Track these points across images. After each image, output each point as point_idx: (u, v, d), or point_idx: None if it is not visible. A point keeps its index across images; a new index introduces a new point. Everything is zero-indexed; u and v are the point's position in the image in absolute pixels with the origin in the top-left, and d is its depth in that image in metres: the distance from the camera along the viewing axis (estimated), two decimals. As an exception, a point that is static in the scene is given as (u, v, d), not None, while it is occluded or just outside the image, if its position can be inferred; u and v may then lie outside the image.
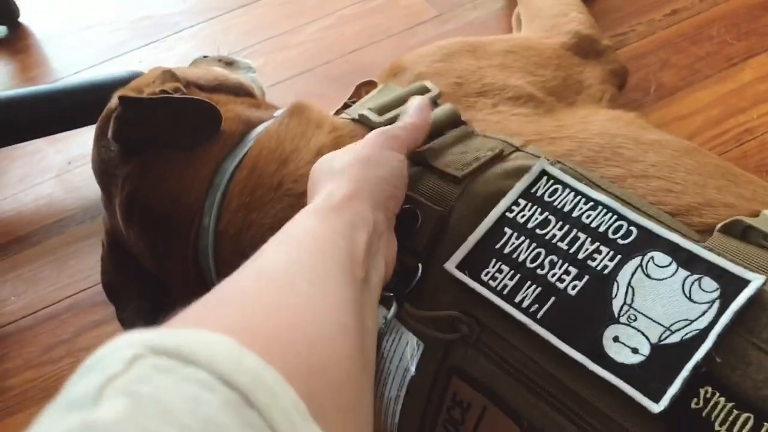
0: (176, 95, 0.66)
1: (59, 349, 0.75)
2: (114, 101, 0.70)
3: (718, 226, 0.43)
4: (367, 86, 0.69)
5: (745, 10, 0.91)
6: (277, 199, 0.59)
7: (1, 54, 1.10)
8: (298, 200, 0.57)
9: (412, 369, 0.46)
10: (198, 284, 0.67)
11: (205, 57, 0.91)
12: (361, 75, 0.94)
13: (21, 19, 1.14)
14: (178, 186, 0.65)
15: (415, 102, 0.52)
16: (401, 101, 0.56)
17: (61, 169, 0.93)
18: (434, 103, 0.56)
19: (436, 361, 0.44)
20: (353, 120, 0.60)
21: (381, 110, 0.56)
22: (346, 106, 0.68)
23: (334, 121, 0.62)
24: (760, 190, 0.50)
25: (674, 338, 0.37)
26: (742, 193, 0.48)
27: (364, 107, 0.58)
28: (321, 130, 0.61)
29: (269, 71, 0.98)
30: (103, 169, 0.72)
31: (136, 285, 0.75)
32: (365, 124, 0.56)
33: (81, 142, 0.94)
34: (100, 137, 0.73)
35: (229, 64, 0.88)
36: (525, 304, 0.41)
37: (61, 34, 1.12)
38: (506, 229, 0.45)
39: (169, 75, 0.71)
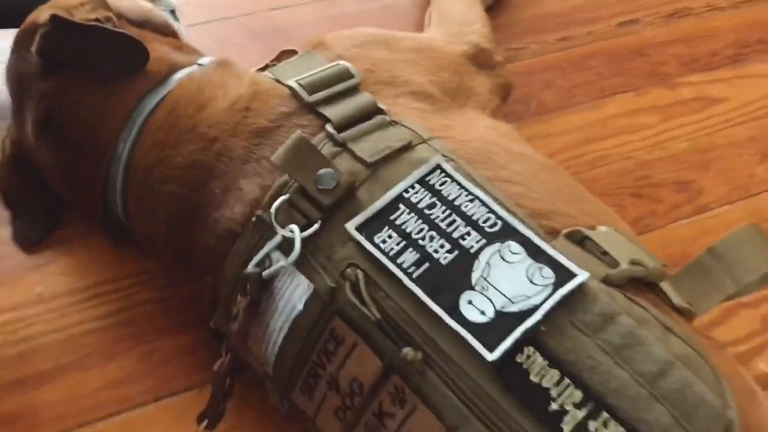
0: (109, 26, 0.69)
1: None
2: (42, 16, 0.72)
3: (564, 231, 0.54)
4: (288, 54, 0.76)
5: (624, 51, 1.05)
6: (189, 140, 0.64)
7: None
8: (210, 144, 0.63)
9: (300, 306, 0.54)
10: (102, 211, 0.71)
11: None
12: (280, 33, 1.01)
13: None
14: (97, 114, 0.69)
15: None
16: (329, 81, 0.63)
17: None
18: (356, 87, 0.64)
19: (323, 303, 0.52)
20: (275, 80, 0.66)
21: (310, 88, 0.62)
22: (267, 67, 0.74)
23: (255, 76, 0.68)
24: (599, 210, 0.62)
25: (513, 308, 0.48)
26: (584, 209, 0.60)
27: (289, 76, 0.64)
28: (241, 81, 0.67)
29: (189, 11, 1.00)
30: (18, 79, 0.74)
31: (36, 195, 0.78)
32: (293, 95, 0.63)
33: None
34: (20, 47, 0.74)
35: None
36: (405, 265, 0.50)
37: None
38: (401, 206, 0.54)
39: (100, 2, 0.74)
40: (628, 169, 0.91)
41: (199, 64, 0.73)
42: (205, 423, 0.60)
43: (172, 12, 0.91)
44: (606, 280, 0.50)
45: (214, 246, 0.61)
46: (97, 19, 0.70)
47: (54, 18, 0.67)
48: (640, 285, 0.53)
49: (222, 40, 0.99)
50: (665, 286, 0.55)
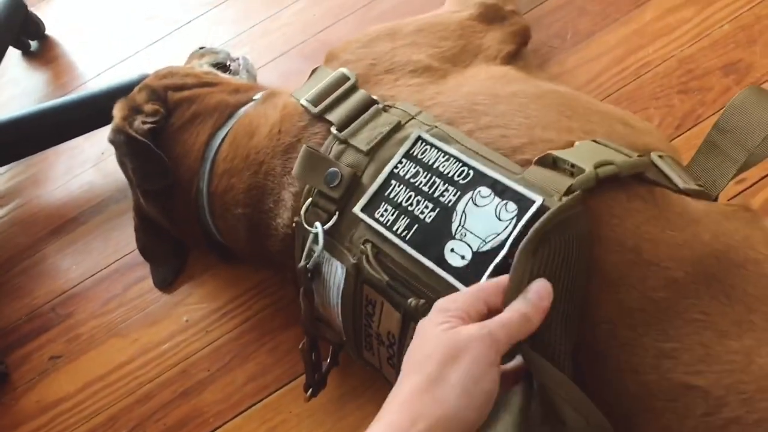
0: (150, 146, 0.85)
1: (114, 301, 0.97)
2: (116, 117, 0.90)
3: (534, 160, 0.60)
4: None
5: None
6: (246, 167, 0.78)
7: (36, 65, 1.32)
8: (259, 167, 0.76)
9: (342, 283, 0.65)
10: (203, 235, 0.88)
11: (201, 48, 1.09)
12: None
13: (47, 32, 1.35)
14: (178, 162, 0.85)
15: (536, 286, 0.50)
16: (329, 89, 0.73)
17: (97, 159, 1.14)
18: (353, 87, 0.74)
19: (354, 278, 0.64)
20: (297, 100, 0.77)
21: (315, 101, 0.73)
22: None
23: (286, 101, 0.79)
24: (591, 121, 0.65)
25: (486, 247, 0.56)
26: (570, 126, 0.63)
27: (304, 94, 0.76)
28: (276, 109, 0.79)
29: (255, 56, 1.15)
30: (123, 161, 0.93)
31: (165, 246, 0.97)
32: (306, 110, 0.74)
33: (110, 135, 1.15)
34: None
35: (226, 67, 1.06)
36: (399, 231, 0.60)
37: (81, 42, 1.32)
38: (392, 181, 0.63)
39: (151, 92, 0.90)
40: (672, 69, 0.92)
41: (254, 99, 0.87)
42: (310, 392, 0.74)
43: (220, 66, 1.04)
44: (569, 191, 0.56)
45: (281, 249, 0.75)
46: (154, 111, 0.87)
47: (116, 130, 0.87)
48: (637, 181, 0.58)
49: (284, 71, 1.13)
50: (670, 173, 0.59)
